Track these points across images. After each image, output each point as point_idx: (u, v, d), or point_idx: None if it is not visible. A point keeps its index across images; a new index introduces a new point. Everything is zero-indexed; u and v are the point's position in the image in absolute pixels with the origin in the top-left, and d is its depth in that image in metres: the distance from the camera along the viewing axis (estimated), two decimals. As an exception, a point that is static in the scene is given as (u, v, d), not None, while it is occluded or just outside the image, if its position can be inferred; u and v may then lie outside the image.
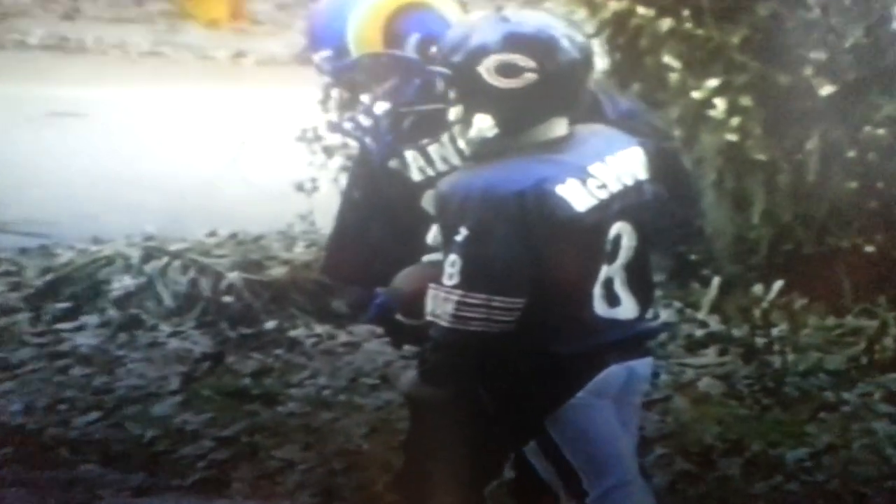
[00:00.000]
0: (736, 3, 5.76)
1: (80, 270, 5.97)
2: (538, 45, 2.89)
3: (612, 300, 2.95)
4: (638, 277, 2.98)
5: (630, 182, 2.97)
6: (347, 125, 3.14)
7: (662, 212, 3.05)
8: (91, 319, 5.68)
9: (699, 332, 5.53)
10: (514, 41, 2.89)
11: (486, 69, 2.88)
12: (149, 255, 5.97)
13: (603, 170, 2.94)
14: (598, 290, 2.93)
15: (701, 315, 5.67)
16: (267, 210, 6.74)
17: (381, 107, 3.07)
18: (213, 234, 6.48)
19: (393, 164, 3.15)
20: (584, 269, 2.91)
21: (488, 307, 2.83)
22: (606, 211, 2.92)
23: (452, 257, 2.86)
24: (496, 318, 2.83)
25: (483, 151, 2.96)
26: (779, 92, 5.68)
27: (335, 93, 3.20)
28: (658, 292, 5.61)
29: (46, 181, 7.95)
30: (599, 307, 2.93)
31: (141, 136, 9.36)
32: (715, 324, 5.58)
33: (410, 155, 3.14)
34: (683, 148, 5.49)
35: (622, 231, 2.95)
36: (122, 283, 5.84)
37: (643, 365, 3.04)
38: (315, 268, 5.65)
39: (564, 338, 2.91)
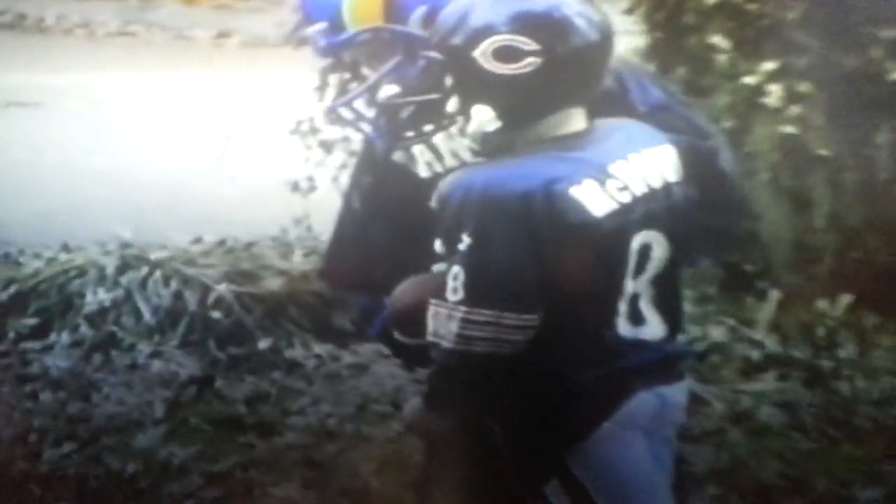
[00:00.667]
0: (794, -26, 5.74)
1: (49, 282, 6.01)
2: (545, 26, 2.87)
3: (637, 319, 2.96)
4: (666, 293, 3.00)
5: (657, 184, 2.97)
6: (345, 113, 3.12)
7: (695, 219, 3.05)
8: (62, 338, 5.77)
9: (755, 354, 5.61)
10: (519, 21, 2.87)
11: (482, 53, 2.87)
12: (126, 265, 6.05)
13: (626, 169, 2.94)
14: (622, 308, 2.94)
15: (757, 334, 5.74)
16: (258, 213, 6.84)
17: (386, 91, 3.05)
18: (198, 240, 6.62)
19: (398, 157, 3.17)
20: (604, 283, 2.91)
21: (497, 325, 2.82)
22: (628, 216, 2.91)
23: (455, 269, 2.86)
24: (506, 338, 2.83)
25: (490, 147, 2.97)
26: (843, 77, 5.71)
27: (334, 78, 3.20)
28: (708, 308, 5.77)
29: (5, 179, 8.06)
30: (623, 326, 2.94)
31: (111, 129, 9.44)
32: (773, 344, 5.67)
33: (417, 148, 3.16)
34: (733, 141, 5.60)
35: (651, 241, 2.96)
36: (97, 296, 5.91)
37: (677, 391, 3.05)
38: (314, 279, 5.70)
39: (584, 361, 2.90)
